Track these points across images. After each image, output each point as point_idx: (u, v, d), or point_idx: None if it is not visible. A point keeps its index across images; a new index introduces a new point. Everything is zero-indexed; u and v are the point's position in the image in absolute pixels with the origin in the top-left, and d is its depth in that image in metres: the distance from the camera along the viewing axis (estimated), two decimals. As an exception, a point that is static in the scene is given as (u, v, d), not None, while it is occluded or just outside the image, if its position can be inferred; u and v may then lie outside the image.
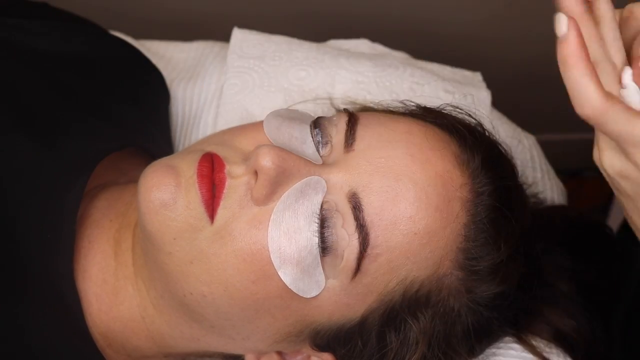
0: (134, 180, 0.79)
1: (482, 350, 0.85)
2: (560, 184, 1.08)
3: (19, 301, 0.74)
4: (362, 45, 1.14)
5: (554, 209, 0.99)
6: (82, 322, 0.79)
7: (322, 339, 0.77)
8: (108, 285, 0.80)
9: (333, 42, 1.15)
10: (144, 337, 0.81)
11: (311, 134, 0.76)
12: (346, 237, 0.72)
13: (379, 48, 1.14)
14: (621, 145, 0.65)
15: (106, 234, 0.82)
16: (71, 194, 0.79)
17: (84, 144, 0.84)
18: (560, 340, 0.87)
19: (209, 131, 1.05)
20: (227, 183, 0.73)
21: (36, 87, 0.86)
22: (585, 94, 0.62)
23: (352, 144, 0.75)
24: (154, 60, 1.04)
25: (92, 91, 0.91)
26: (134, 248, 0.81)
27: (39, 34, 0.92)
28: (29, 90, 0.85)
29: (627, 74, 0.67)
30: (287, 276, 0.72)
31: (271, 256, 0.71)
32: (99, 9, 1.20)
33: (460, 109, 0.84)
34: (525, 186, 0.88)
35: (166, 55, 1.11)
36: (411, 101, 0.86)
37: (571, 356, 0.88)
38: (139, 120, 0.94)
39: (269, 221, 0.72)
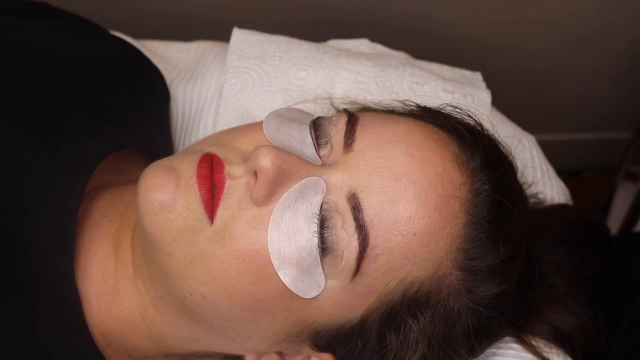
0: (134, 180, 0.79)
1: (482, 351, 0.85)
2: (562, 184, 1.08)
3: (20, 301, 0.74)
4: (362, 45, 1.14)
5: (554, 208, 0.99)
6: (83, 322, 0.79)
7: (322, 339, 0.77)
8: (108, 285, 0.81)
9: (333, 42, 1.15)
10: (143, 337, 0.81)
11: (310, 134, 0.76)
12: (346, 238, 0.72)
13: (378, 48, 1.14)
14: None
15: (106, 234, 0.82)
16: (72, 194, 0.79)
17: (84, 144, 0.84)
18: (560, 340, 0.87)
19: (209, 131, 1.05)
20: (226, 184, 0.73)
21: (36, 87, 0.86)
22: None
23: (351, 144, 0.75)
24: (154, 60, 1.04)
25: (92, 91, 0.91)
26: (133, 248, 0.81)
27: (39, 33, 0.92)
28: (29, 90, 0.85)
29: None
30: (286, 277, 0.72)
31: (271, 257, 0.71)
32: (99, 9, 1.20)
33: (459, 109, 0.84)
34: (525, 186, 0.88)
35: (166, 55, 1.11)
36: (411, 101, 0.86)
37: (571, 356, 0.88)
38: (139, 120, 0.94)
39: (269, 222, 0.72)
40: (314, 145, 0.76)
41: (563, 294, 0.88)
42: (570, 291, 0.89)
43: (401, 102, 0.86)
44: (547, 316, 0.87)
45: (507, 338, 0.86)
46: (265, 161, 0.71)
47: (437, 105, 0.85)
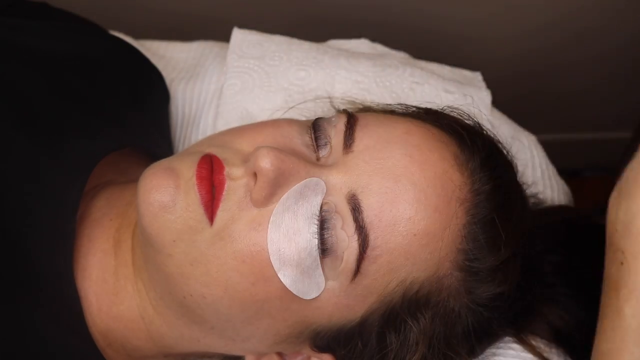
0: (134, 179, 0.79)
1: (482, 351, 0.85)
2: (563, 183, 1.08)
3: (19, 300, 0.74)
4: (362, 45, 1.14)
5: (554, 209, 0.99)
6: (83, 322, 0.79)
7: (322, 340, 0.77)
8: (108, 285, 0.81)
9: (333, 42, 1.15)
10: (143, 337, 0.81)
11: (310, 135, 0.76)
12: (346, 239, 0.72)
13: (378, 48, 1.14)
14: None
15: (106, 233, 0.82)
16: (71, 193, 0.79)
17: (84, 143, 0.84)
18: (561, 340, 0.87)
19: (209, 131, 1.05)
20: (226, 185, 0.73)
21: (36, 87, 0.86)
22: None
23: (351, 145, 0.75)
24: (154, 60, 1.04)
25: (91, 91, 0.91)
26: (133, 248, 0.81)
27: (39, 34, 0.92)
28: (28, 90, 0.85)
29: None
30: (286, 278, 0.72)
31: (271, 258, 0.71)
32: (99, 9, 1.20)
33: (459, 110, 0.84)
34: (525, 186, 0.88)
35: (166, 55, 1.11)
36: (412, 106, 0.86)
37: (571, 356, 0.88)
38: (138, 120, 0.94)
39: (269, 223, 0.72)
40: (314, 146, 0.75)
41: (563, 295, 0.88)
42: (570, 291, 0.88)
43: (401, 104, 0.86)
44: (547, 316, 0.87)
45: (507, 338, 0.86)
46: (265, 162, 0.71)
47: (437, 106, 0.85)
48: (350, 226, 0.72)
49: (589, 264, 0.91)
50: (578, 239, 0.92)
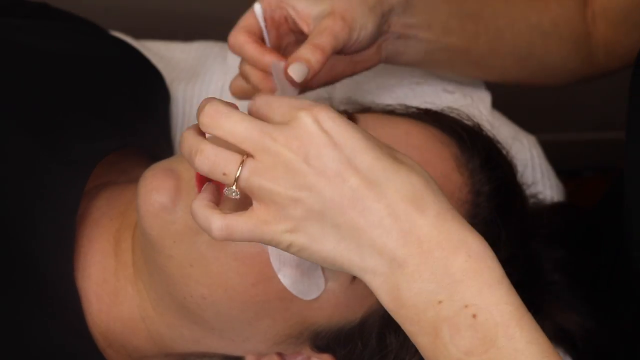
0: (134, 180, 0.79)
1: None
2: (561, 185, 1.08)
3: (19, 300, 0.74)
4: (362, 45, 1.14)
5: (554, 208, 0.99)
6: (83, 322, 0.79)
7: (322, 340, 0.77)
8: (108, 285, 0.80)
9: (333, 42, 1.15)
10: (144, 337, 0.81)
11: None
12: (347, 239, 0.72)
13: (378, 48, 1.14)
14: None
15: (106, 233, 0.82)
16: (71, 193, 0.79)
17: (84, 143, 0.83)
18: (563, 338, 0.87)
19: (209, 131, 1.05)
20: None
21: (36, 87, 0.86)
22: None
23: (351, 145, 0.75)
24: (154, 60, 1.03)
25: (92, 91, 0.91)
26: (133, 249, 0.80)
27: (39, 34, 0.92)
28: (29, 90, 0.85)
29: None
30: (286, 279, 0.72)
31: (271, 259, 0.71)
32: (99, 9, 1.20)
33: (459, 111, 0.84)
34: (525, 186, 0.88)
35: (166, 55, 1.11)
36: (413, 107, 0.86)
37: (571, 355, 0.88)
38: (139, 120, 0.94)
39: None
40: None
41: (563, 294, 0.88)
42: (570, 289, 0.88)
43: (401, 104, 0.86)
44: (548, 314, 0.87)
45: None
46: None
47: (437, 107, 0.85)
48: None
49: (589, 262, 0.91)
50: (577, 237, 0.92)
